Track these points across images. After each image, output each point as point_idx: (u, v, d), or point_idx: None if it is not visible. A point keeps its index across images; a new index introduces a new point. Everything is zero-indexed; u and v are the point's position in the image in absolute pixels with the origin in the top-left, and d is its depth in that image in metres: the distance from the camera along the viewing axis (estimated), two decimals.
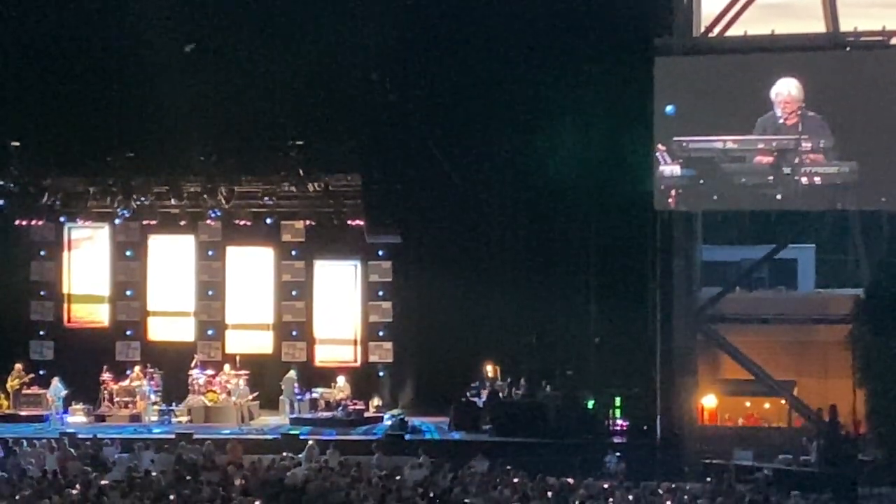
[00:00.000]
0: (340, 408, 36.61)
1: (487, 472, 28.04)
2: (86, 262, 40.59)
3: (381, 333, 39.45)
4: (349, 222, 38.46)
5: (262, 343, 39.92)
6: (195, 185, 37.89)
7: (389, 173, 36.69)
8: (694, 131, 33.55)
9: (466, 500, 24.15)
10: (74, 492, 24.06)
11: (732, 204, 34.86)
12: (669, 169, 33.67)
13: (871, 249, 35.38)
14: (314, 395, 37.34)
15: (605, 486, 26.94)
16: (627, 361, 35.35)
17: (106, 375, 37.48)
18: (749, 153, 33.36)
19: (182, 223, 39.08)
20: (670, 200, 33.90)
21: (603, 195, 35.36)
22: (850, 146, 32.64)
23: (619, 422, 35.32)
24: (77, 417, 36.54)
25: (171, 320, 40.30)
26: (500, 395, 36.15)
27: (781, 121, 33.07)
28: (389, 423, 36.10)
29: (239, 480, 26.22)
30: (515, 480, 26.64)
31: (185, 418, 36.70)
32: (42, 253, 40.25)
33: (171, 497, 23.70)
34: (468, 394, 36.61)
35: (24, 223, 39.43)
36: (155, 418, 36.54)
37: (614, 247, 35.38)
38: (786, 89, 32.93)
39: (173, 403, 37.20)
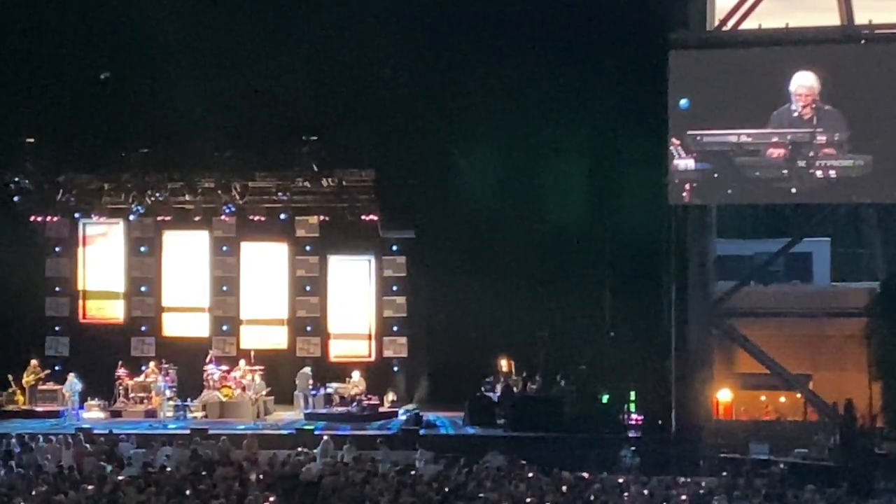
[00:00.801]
0: (355, 403, 36.63)
1: (502, 467, 28.03)
2: (100, 258, 40.62)
3: (395, 328, 39.42)
4: (363, 217, 38.47)
5: (277, 338, 39.91)
6: (209, 181, 37.96)
7: (403, 168, 36.72)
8: (708, 125, 33.51)
9: (481, 495, 24.14)
10: (90, 487, 24.12)
11: (747, 197, 34.83)
12: (684, 163, 33.64)
13: (887, 243, 35.41)
14: (329, 391, 37.36)
15: (620, 480, 26.98)
16: (642, 356, 35.28)
17: (121, 371, 37.59)
18: (763, 147, 33.31)
19: (196, 219, 39.09)
20: (685, 194, 33.85)
21: (617, 189, 35.37)
22: (865, 139, 32.58)
23: (634, 416, 35.28)
24: (92, 413, 36.61)
25: (185, 316, 40.32)
26: (515, 389, 36.17)
27: (796, 114, 33.00)
28: (404, 417, 36.08)
29: (254, 475, 26.30)
30: (530, 475, 26.66)
31: (200, 414, 36.75)
32: (57, 249, 40.29)
33: (187, 492, 23.76)
34: (483, 388, 36.64)
35: (39, 219, 39.48)
36: (170, 414, 36.57)
37: (629, 241, 35.32)
38: (805, 81, 32.84)
39: (188, 399, 37.24)
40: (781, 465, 30.00)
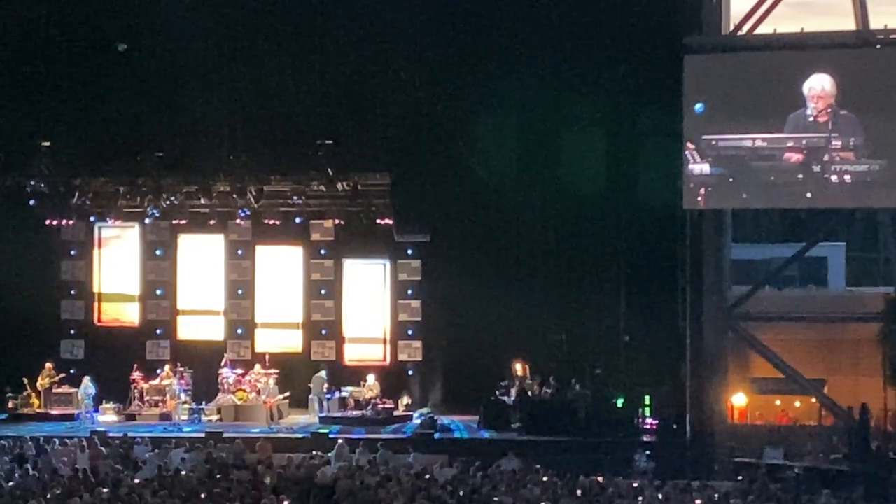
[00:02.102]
0: (370, 406, 36.62)
1: (517, 471, 28.02)
2: (116, 261, 40.65)
3: (410, 332, 39.38)
4: (378, 221, 38.43)
5: (292, 342, 39.93)
6: (224, 185, 37.93)
7: (418, 172, 36.71)
8: (723, 129, 33.48)
9: (496, 499, 24.15)
10: (105, 490, 24.17)
11: (762, 202, 34.80)
12: (699, 167, 33.61)
13: None
14: (343, 394, 37.35)
15: (635, 484, 26.99)
16: (657, 360, 35.32)
17: (136, 374, 37.62)
18: (779, 151, 33.27)
19: (211, 222, 39.06)
20: (700, 199, 33.82)
21: (632, 194, 35.38)
22: (881, 144, 32.53)
23: (649, 420, 35.25)
24: (108, 416, 36.69)
25: (200, 319, 40.33)
26: (530, 393, 36.13)
27: (812, 118, 32.95)
28: (419, 421, 36.10)
29: (269, 479, 26.32)
30: (545, 479, 26.66)
31: (215, 417, 36.80)
32: (72, 252, 40.30)
33: (202, 496, 23.81)
34: (497, 392, 36.58)
35: (54, 223, 39.45)
36: (185, 417, 36.62)
37: (644, 245, 35.37)
38: (819, 84, 32.80)
39: (203, 402, 37.28)
40: (796, 470, 29.96)
